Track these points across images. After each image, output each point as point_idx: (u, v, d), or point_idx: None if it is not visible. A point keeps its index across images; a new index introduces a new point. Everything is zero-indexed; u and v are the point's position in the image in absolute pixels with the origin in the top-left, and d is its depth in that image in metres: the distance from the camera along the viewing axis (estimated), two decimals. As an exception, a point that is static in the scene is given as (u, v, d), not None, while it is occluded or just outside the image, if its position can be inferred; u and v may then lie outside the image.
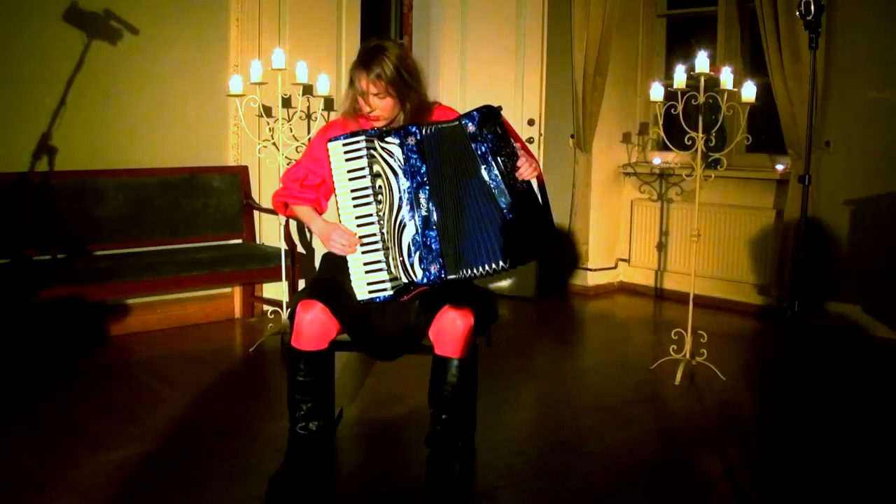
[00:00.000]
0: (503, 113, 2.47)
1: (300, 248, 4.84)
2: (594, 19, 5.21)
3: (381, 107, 2.52)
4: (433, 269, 2.41)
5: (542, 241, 2.49)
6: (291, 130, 4.25)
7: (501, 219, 2.38)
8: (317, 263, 4.00)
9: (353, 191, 2.46)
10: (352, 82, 2.55)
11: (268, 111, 4.42)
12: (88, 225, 4.23)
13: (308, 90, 4.24)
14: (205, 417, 3.17)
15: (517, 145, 2.47)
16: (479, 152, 2.38)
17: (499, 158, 2.38)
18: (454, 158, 2.41)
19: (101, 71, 4.23)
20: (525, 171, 2.43)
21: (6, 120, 4.01)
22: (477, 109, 2.39)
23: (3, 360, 3.73)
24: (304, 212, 2.71)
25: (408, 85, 2.51)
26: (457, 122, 2.41)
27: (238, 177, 4.72)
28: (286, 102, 4.20)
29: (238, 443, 2.92)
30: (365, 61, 2.51)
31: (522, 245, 2.40)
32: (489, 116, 2.39)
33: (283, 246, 4.17)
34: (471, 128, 2.38)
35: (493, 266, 2.40)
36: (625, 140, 5.75)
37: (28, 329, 3.93)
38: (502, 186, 2.37)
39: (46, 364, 3.79)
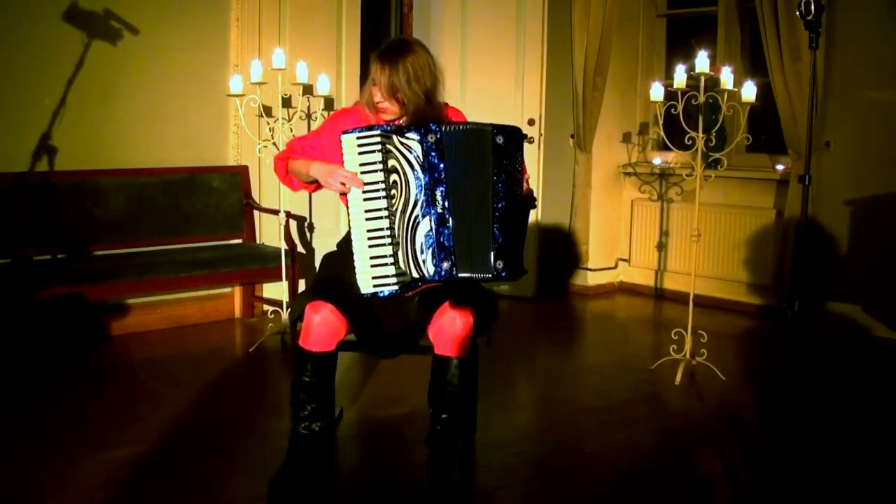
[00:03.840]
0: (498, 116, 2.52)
1: (300, 248, 4.84)
2: (594, 19, 5.21)
3: (390, 100, 2.55)
4: (445, 266, 2.41)
5: (522, 266, 2.52)
6: (291, 130, 4.25)
7: (506, 231, 2.42)
8: (317, 263, 4.01)
9: (364, 184, 2.46)
10: (371, 68, 2.58)
11: (268, 111, 4.42)
12: (88, 225, 4.23)
13: (308, 90, 4.24)
14: (205, 417, 3.17)
15: (525, 176, 2.54)
16: (497, 164, 2.42)
17: (513, 178, 2.44)
18: (473, 161, 2.43)
19: (101, 71, 4.23)
20: (524, 198, 2.51)
21: (6, 120, 4.01)
22: (509, 126, 2.46)
23: (3, 361, 3.73)
24: (301, 162, 2.67)
25: (421, 89, 2.52)
26: (489, 129, 2.43)
27: (238, 177, 4.72)
28: (286, 102, 4.21)
29: (238, 443, 2.92)
30: (383, 54, 2.54)
31: (518, 261, 2.47)
32: (517, 138, 2.47)
33: (283, 246, 4.18)
34: (500, 140, 2.43)
35: (496, 272, 2.42)
36: (625, 140, 5.75)
37: (28, 329, 3.93)
38: (503, 203, 2.42)
39: (46, 364, 3.79)
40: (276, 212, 4.30)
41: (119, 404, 3.31)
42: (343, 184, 2.44)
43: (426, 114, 2.54)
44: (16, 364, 3.74)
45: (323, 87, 4.29)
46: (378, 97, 2.55)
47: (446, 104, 2.70)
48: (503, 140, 2.43)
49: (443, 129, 2.43)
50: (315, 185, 2.68)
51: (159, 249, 4.43)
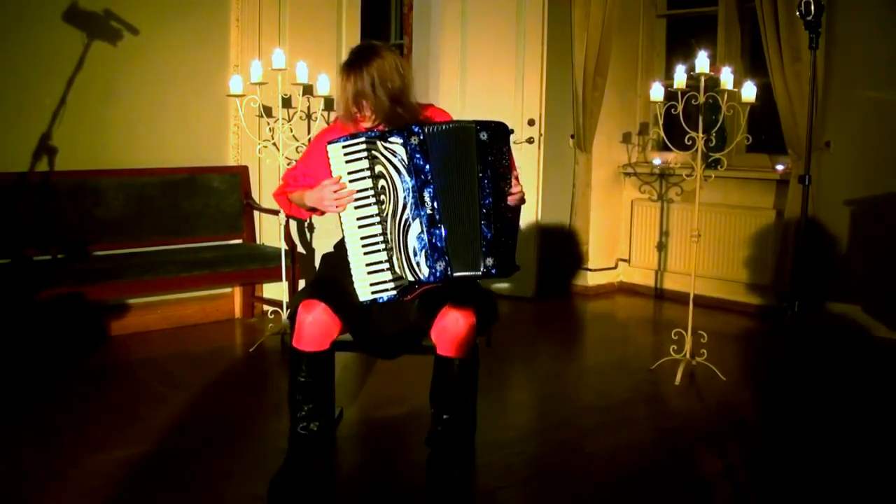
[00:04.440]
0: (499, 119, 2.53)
1: (300, 248, 4.84)
2: (594, 19, 5.21)
3: (364, 107, 2.57)
4: (439, 266, 2.41)
5: (513, 262, 2.52)
6: (291, 130, 4.25)
7: (494, 227, 2.43)
8: (317, 263, 4.01)
9: (354, 192, 2.47)
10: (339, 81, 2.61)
11: (268, 111, 4.42)
12: (88, 225, 4.23)
13: (308, 90, 4.24)
14: (205, 417, 3.17)
15: (514, 172, 2.54)
16: (482, 161, 2.42)
17: (499, 174, 2.45)
18: (459, 159, 2.43)
19: (101, 71, 4.23)
20: (514, 196, 2.52)
21: (6, 120, 4.01)
22: (493, 122, 2.46)
23: (3, 361, 3.73)
24: (297, 195, 2.70)
25: (387, 93, 2.54)
26: (471, 126, 2.44)
27: (238, 177, 4.72)
28: (286, 102, 4.20)
29: (238, 443, 2.92)
30: (348, 64, 2.58)
31: (510, 257, 2.48)
32: (502, 133, 2.47)
33: (283, 246, 4.18)
34: (483, 136, 2.43)
35: (486, 269, 2.43)
36: (625, 140, 5.75)
37: (28, 329, 3.93)
38: (490, 200, 2.43)
39: (46, 364, 3.79)
40: (276, 212, 4.30)
41: (119, 404, 3.31)
42: (337, 205, 2.46)
43: (397, 117, 2.55)
44: (16, 364, 3.75)
45: (323, 87, 4.29)
46: (353, 108, 2.58)
47: (424, 105, 2.70)
48: (487, 136, 2.43)
49: (425, 130, 2.43)
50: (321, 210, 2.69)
51: (159, 249, 4.43)
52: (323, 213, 2.63)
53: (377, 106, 2.55)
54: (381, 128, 2.55)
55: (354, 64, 2.56)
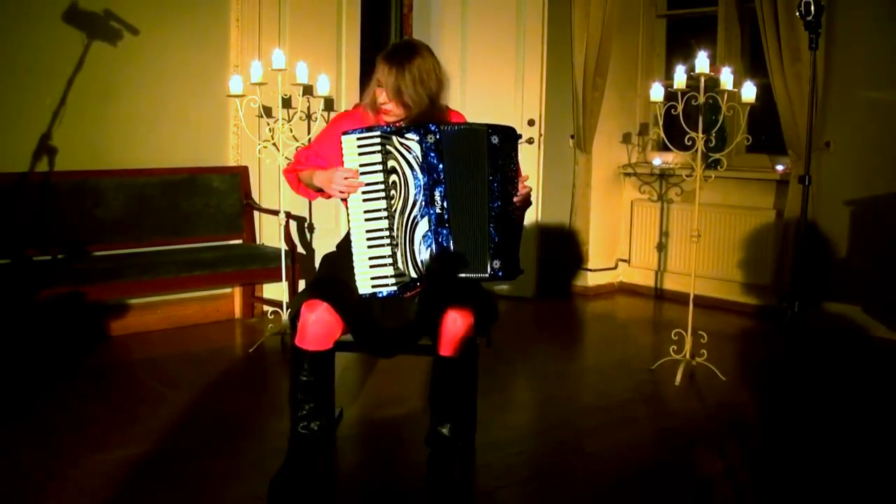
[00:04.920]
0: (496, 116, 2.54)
1: (300, 249, 4.84)
2: (594, 19, 5.21)
3: (395, 102, 2.56)
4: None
5: (518, 266, 2.52)
6: (291, 131, 4.25)
7: (501, 230, 2.44)
8: (317, 264, 4.02)
9: (364, 184, 2.46)
10: (376, 70, 2.58)
11: (268, 112, 4.42)
12: (88, 225, 4.24)
13: (308, 91, 4.24)
14: (205, 417, 3.17)
15: (521, 177, 2.54)
16: (493, 164, 2.43)
17: (508, 178, 2.46)
18: (470, 161, 2.44)
19: (101, 71, 4.23)
20: (520, 196, 2.52)
21: (6, 120, 4.01)
22: (503, 126, 2.47)
23: (3, 361, 3.73)
24: (306, 174, 2.70)
25: (426, 92, 2.53)
26: (483, 129, 2.44)
27: (238, 177, 4.72)
28: (286, 103, 4.20)
29: (238, 443, 2.92)
30: (390, 56, 2.54)
31: (515, 261, 2.48)
32: (512, 138, 2.48)
33: (283, 246, 4.18)
34: (495, 140, 2.44)
35: (493, 272, 2.43)
36: (625, 140, 5.75)
37: (28, 329, 3.93)
38: (499, 203, 2.44)
39: (46, 364, 3.79)
40: (276, 212, 4.30)
41: (119, 404, 3.31)
42: (342, 191, 2.45)
43: (429, 117, 2.55)
44: (16, 364, 3.75)
45: (323, 87, 4.29)
46: (382, 98, 2.56)
47: (448, 108, 2.71)
48: (498, 140, 2.45)
49: (441, 129, 2.44)
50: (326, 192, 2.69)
51: (159, 250, 4.43)
52: (329, 196, 2.62)
53: (414, 104, 2.53)
54: (399, 124, 2.55)
55: (396, 58, 2.52)
